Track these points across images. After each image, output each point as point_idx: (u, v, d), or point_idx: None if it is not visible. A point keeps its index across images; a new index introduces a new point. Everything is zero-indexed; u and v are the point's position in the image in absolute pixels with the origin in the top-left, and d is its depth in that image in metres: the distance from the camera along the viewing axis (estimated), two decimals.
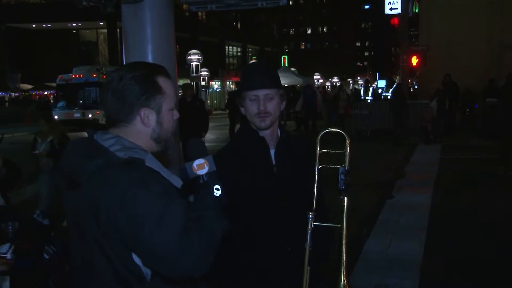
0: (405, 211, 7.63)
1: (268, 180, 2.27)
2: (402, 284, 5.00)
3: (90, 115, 25.89)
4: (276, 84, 2.32)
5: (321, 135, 2.26)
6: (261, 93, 2.26)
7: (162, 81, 1.79)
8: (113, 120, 1.78)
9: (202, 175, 1.83)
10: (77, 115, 26.12)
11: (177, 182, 1.76)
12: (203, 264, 1.63)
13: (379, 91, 26.71)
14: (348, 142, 2.22)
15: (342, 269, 2.10)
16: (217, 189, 1.81)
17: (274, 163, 2.31)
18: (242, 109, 2.35)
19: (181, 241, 1.57)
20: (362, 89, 28.35)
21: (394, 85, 20.18)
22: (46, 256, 2.93)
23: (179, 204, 1.65)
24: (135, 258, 1.65)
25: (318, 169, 2.23)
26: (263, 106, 2.25)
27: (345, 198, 2.16)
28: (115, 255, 1.64)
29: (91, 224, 1.64)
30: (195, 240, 1.60)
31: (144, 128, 1.77)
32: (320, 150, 2.24)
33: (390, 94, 20.70)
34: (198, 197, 1.80)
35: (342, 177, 2.13)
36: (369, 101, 22.42)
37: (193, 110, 9.77)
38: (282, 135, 2.38)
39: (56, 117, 19.49)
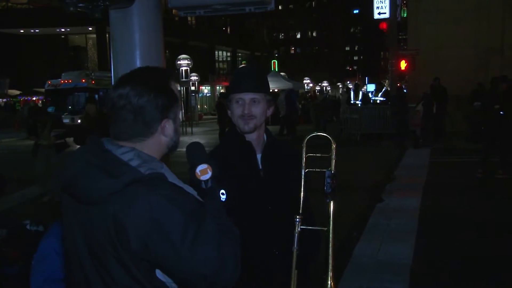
0: (395, 214, 7.67)
1: (255, 184, 2.28)
2: (392, 287, 5.01)
3: (79, 121, 25.74)
4: (264, 89, 2.33)
5: (307, 139, 2.28)
6: (247, 96, 2.27)
7: (174, 87, 1.74)
8: (128, 136, 1.67)
9: (206, 181, 1.78)
10: (66, 120, 25.92)
11: (193, 192, 1.70)
12: (236, 274, 1.61)
13: (370, 95, 26.84)
14: (333, 146, 2.23)
15: (330, 272, 2.11)
16: (222, 194, 1.79)
17: (260, 167, 2.32)
18: (229, 112, 2.37)
19: (219, 255, 1.55)
20: (352, 93, 28.49)
21: (384, 89, 20.32)
22: None
23: (210, 218, 1.60)
24: (159, 274, 1.60)
25: (305, 173, 2.24)
26: (247, 109, 2.26)
27: (331, 202, 2.17)
28: (141, 275, 1.57)
29: (113, 244, 1.55)
30: (228, 251, 1.58)
31: (164, 139, 1.71)
32: (306, 154, 2.26)
33: (379, 98, 20.84)
34: (209, 204, 1.71)
35: (328, 180, 2.14)
36: (359, 105, 22.51)
37: None
38: (269, 139, 2.39)
39: None
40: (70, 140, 9.54)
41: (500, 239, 6.38)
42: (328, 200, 2.18)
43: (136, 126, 1.65)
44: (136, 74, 1.75)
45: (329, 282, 2.11)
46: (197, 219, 1.55)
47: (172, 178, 1.66)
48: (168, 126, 1.71)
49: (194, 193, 1.69)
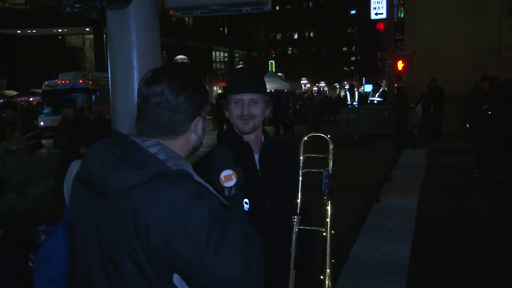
0: (392, 214, 7.68)
1: (253, 184, 2.27)
2: (390, 287, 5.02)
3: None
4: (262, 89, 2.34)
5: (305, 140, 2.28)
6: (246, 97, 2.28)
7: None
8: (158, 133, 1.60)
9: (230, 187, 1.70)
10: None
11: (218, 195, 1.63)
12: (260, 283, 1.53)
13: (369, 95, 26.90)
14: (331, 146, 2.24)
15: (327, 272, 2.11)
16: (246, 203, 1.73)
17: (258, 167, 2.32)
18: (226, 113, 2.37)
19: (244, 261, 1.47)
20: (348, 93, 28.52)
21: (381, 89, 20.33)
22: (31, 264, 2.90)
23: (236, 221, 1.52)
24: (175, 281, 1.50)
25: (302, 173, 2.24)
26: (247, 110, 2.27)
27: (329, 202, 2.17)
28: (157, 279, 1.47)
29: (130, 241, 1.45)
30: (252, 258, 1.50)
31: (194, 137, 1.66)
32: (303, 154, 2.26)
33: (377, 99, 20.85)
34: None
35: (326, 180, 2.14)
36: (355, 105, 22.52)
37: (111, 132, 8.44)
38: (266, 140, 2.40)
39: (41, 123, 19.27)
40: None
41: (497, 239, 6.39)
42: (325, 201, 2.18)
43: (171, 124, 1.59)
44: (171, 70, 1.69)
45: (326, 282, 2.11)
46: (223, 221, 1.47)
47: (197, 178, 1.57)
48: (199, 125, 1.66)
49: (219, 196, 1.61)
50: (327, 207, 2.18)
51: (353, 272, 5.41)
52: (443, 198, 8.73)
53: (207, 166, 1.82)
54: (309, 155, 2.27)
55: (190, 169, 1.58)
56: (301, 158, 2.25)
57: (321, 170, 2.17)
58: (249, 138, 2.33)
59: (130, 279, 1.48)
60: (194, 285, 1.51)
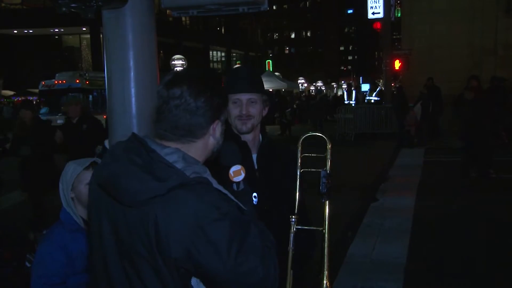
0: (389, 214, 7.69)
1: (251, 184, 2.28)
2: (386, 286, 5.03)
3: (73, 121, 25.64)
4: (260, 89, 2.34)
5: (303, 139, 2.28)
6: (244, 97, 2.28)
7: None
8: (176, 136, 1.61)
9: (238, 182, 1.73)
10: (60, 121, 25.81)
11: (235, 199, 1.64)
12: (276, 283, 1.57)
13: (366, 95, 26.95)
14: (329, 146, 2.24)
15: (325, 272, 2.11)
16: (254, 196, 1.74)
17: (256, 167, 2.32)
18: None
19: (263, 266, 1.50)
20: (345, 93, 28.58)
21: (378, 89, 20.34)
22: (28, 265, 2.89)
23: (254, 226, 1.55)
24: (193, 281, 1.54)
25: (300, 173, 2.24)
26: (245, 110, 2.27)
27: (327, 202, 2.17)
28: (175, 284, 1.51)
29: (150, 249, 1.48)
30: (270, 260, 1.54)
31: (212, 141, 1.67)
32: (301, 154, 2.26)
33: (374, 98, 20.89)
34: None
35: (324, 180, 2.14)
36: (352, 105, 22.58)
37: (78, 137, 7.26)
38: (264, 140, 2.40)
39: None
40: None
41: (494, 239, 6.41)
42: (323, 200, 2.18)
43: (190, 126, 1.59)
44: (191, 73, 1.70)
45: (324, 282, 2.11)
46: (243, 229, 1.50)
47: (215, 183, 1.58)
48: (218, 128, 1.67)
49: (236, 200, 1.63)
50: (325, 207, 2.18)
51: (350, 272, 5.42)
52: (440, 197, 8.74)
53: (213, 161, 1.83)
54: (307, 154, 2.27)
55: (208, 175, 1.59)
56: (299, 157, 2.25)
57: (319, 170, 2.18)
58: (247, 137, 2.33)
59: (149, 284, 1.51)
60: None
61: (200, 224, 1.44)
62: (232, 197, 1.59)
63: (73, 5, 2.46)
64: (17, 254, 2.97)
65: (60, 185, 2.48)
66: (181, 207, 1.46)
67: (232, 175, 1.74)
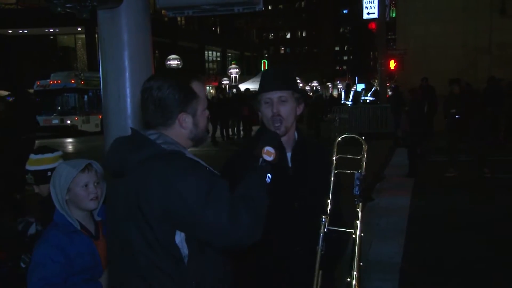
0: (384, 213, 7.70)
1: (283, 182, 2.25)
2: (382, 286, 5.04)
3: (68, 121, 25.59)
4: (291, 86, 2.30)
5: (338, 141, 2.26)
6: (274, 95, 2.25)
7: (195, 86, 1.92)
8: (152, 125, 1.91)
9: (265, 161, 1.96)
10: (56, 121, 25.79)
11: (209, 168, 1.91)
12: (252, 235, 1.78)
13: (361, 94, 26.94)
14: (365, 147, 2.23)
15: (354, 274, 2.08)
16: (268, 177, 1.93)
17: (290, 165, 2.31)
18: (259, 114, 2.35)
19: (230, 212, 1.72)
20: (343, 92, 28.54)
21: (373, 89, 20.36)
22: (23, 265, 2.88)
23: (223, 182, 1.82)
24: (177, 239, 1.78)
25: (334, 173, 2.23)
26: (275, 108, 2.24)
27: (360, 204, 2.15)
28: (156, 239, 1.76)
29: (135, 210, 1.77)
30: (243, 211, 1.75)
31: (182, 130, 1.91)
32: (337, 155, 2.24)
33: (369, 98, 20.91)
34: (254, 175, 1.93)
35: (358, 182, 2.13)
36: (349, 104, 22.57)
37: None
38: (299, 138, 2.38)
39: None
40: None
41: (490, 238, 6.43)
42: (356, 202, 2.15)
43: (155, 115, 1.87)
44: (163, 72, 2.01)
45: (353, 283, 2.09)
46: (209, 183, 1.76)
47: (190, 155, 1.87)
48: (187, 119, 1.89)
49: (210, 167, 1.91)
50: (358, 209, 2.15)
51: (346, 271, 5.41)
52: (436, 197, 8.76)
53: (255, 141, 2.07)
54: (343, 155, 2.25)
55: (186, 152, 1.88)
56: (334, 158, 2.24)
57: (354, 172, 2.16)
58: (282, 137, 2.30)
59: (136, 246, 1.80)
60: (195, 235, 1.79)
61: (173, 186, 1.72)
62: (205, 164, 1.88)
63: (68, 5, 2.46)
64: (12, 254, 2.96)
65: (52, 188, 2.42)
66: (157, 173, 1.75)
67: (265, 152, 1.95)
